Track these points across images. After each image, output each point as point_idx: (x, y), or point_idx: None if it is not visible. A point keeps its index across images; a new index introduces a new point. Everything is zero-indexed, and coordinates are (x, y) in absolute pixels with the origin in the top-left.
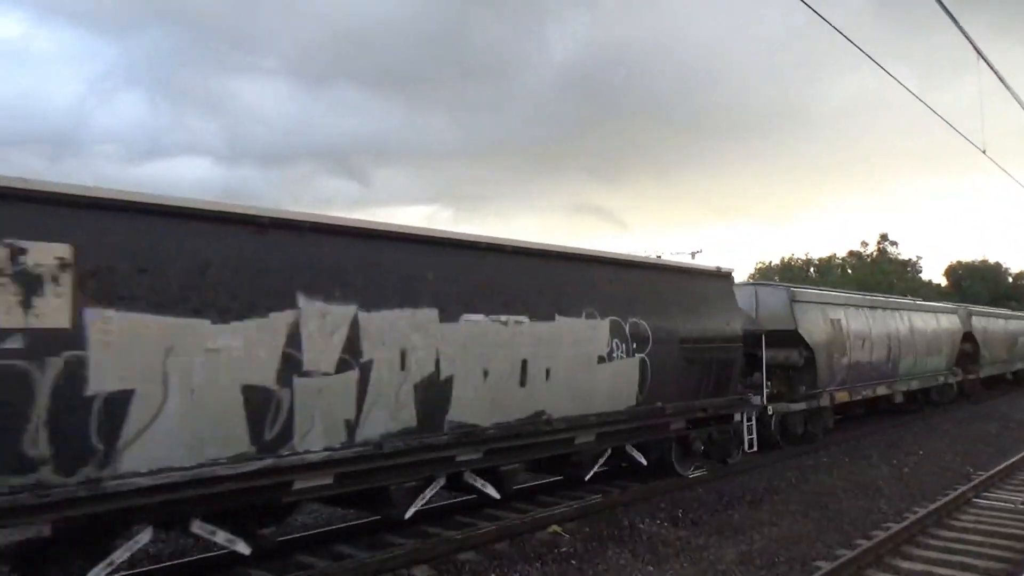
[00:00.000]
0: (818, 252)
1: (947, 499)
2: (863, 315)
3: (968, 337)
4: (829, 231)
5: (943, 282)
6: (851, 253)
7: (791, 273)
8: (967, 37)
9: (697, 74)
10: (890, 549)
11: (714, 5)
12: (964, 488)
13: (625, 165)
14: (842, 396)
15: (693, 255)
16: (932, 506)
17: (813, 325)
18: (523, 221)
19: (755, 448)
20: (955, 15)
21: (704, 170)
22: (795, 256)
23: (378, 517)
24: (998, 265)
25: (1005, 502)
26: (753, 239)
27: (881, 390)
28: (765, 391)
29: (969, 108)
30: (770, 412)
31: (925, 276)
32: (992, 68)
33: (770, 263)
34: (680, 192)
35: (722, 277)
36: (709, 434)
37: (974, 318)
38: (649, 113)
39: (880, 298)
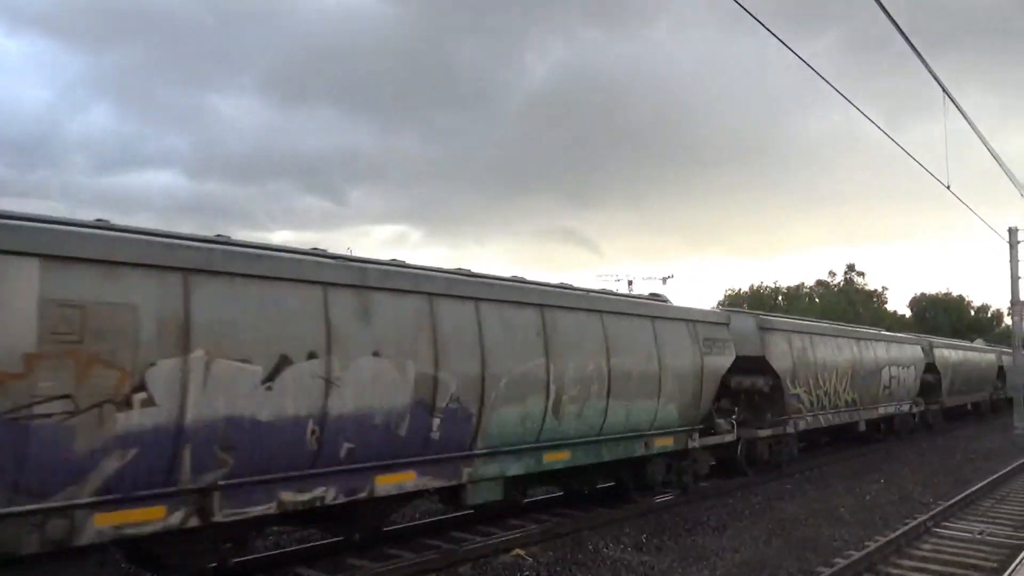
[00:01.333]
0: (787, 281)
1: (907, 528)
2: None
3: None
4: (798, 261)
5: (907, 313)
6: (819, 283)
7: (760, 301)
8: (935, 78)
9: (672, 105)
10: None
11: (690, 39)
12: (924, 517)
13: (600, 192)
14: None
15: (664, 280)
16: (892, 535)
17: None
18: (498, 245)
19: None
20: (924, 57)
21: (678, 199)
22: (764, 284)
23: (339, 538)
24: (961, 298)
25: (965, 531)
26: (724, 267)
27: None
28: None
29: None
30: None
31: (890, 307)
32: (959, 108)
33: (740, 291)
34: (654, 220)
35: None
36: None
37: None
38: (625, 141)
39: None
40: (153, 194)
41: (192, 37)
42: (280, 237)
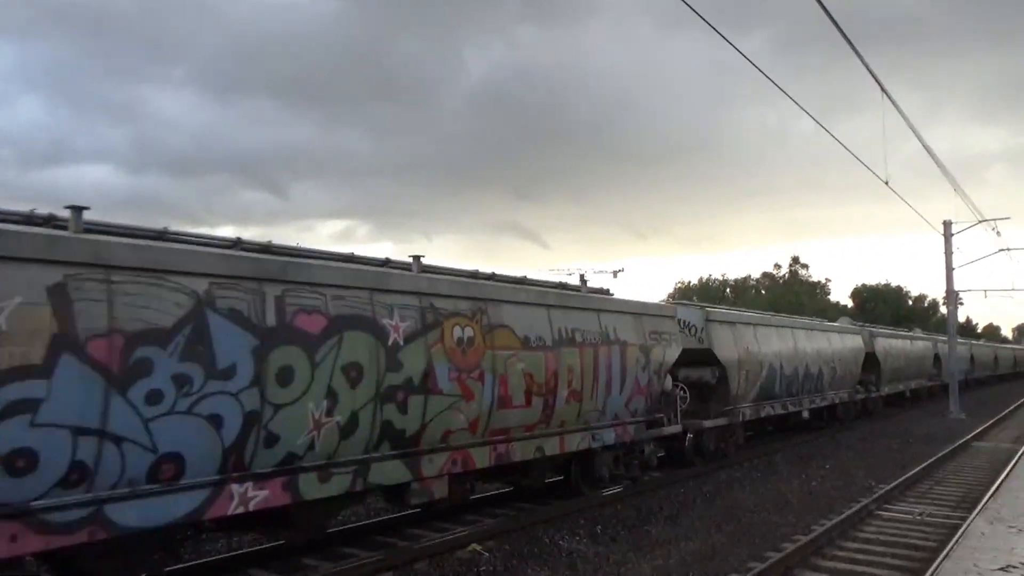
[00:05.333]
0: (734, 273)
1: (851, 511)
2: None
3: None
4: (745, 255)
5: (850, 303)
6: (765, 275)
7: (709, 293)
8: (872, 74)
9: (610, 102)
10: (799, 561)
11: (624, 38)
12: (867, 501)
13: (544, 186)
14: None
15: (615, 274)
16: (837, 519)
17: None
18: (445, 239)
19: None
20: (859, 53)
21: (621, 193)
22: (713, 277)
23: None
24: (899, 288)
25: (906, 513)
26: (673, 261)
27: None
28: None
29: (871, 143)
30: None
31: (833, 298)
32: (895, 104)
33: (689, 283)
34: (599, 214)
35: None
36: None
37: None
38: (565, 137)
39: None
40: (86, 189)
41: (121, 28)
42: (223, 232)
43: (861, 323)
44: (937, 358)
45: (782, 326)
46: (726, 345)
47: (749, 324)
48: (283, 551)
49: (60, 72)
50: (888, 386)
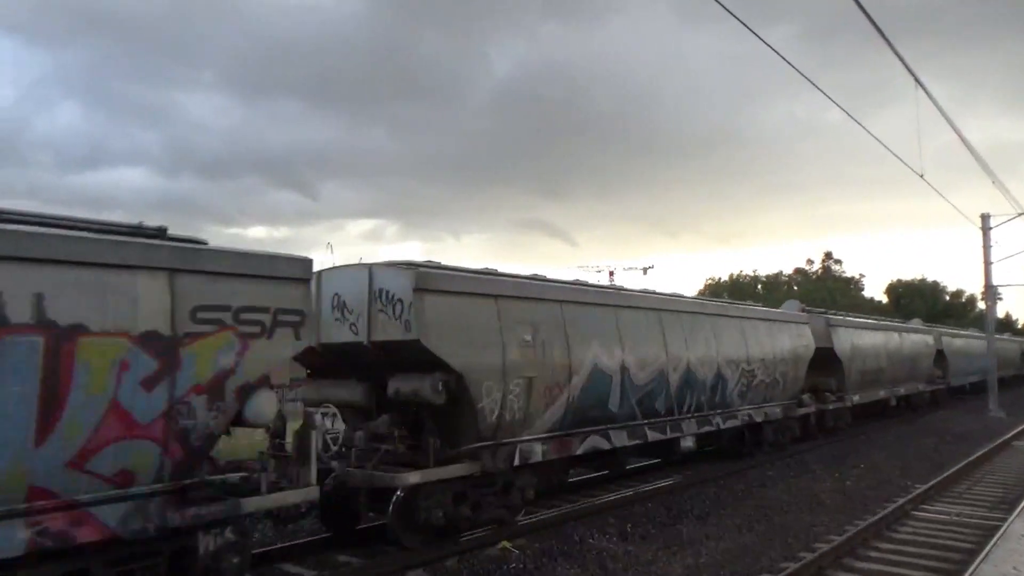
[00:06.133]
0: (765, 269)
1: (886, 511)
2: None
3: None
4: (776, 250)
5: (884, 299)
6: (797, 271)
7: (740, 290)
8: (905, 65)
9: (635, 97)
10: (832, 561)
11: (647, 32)
12: (902, 501)
13: (570, 183)
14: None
15: (645, 271)
16: (872, 519)
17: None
18: (472, 237)
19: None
20: (890, 42)
21: (647, 189)
22: (744, 273)
23: (327, 534)
24: (936, 284)
25: (942, 514)
26: (702, 257)
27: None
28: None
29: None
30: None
31: (867, 293)
32: (929, 95)
33: (719, 279)
34: (626, 210)
35: None
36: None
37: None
38: (591, 133)
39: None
40: (123, 192)
41: (151, 34)
42: (254, 233)
43: (822, 310)
44: (941, 355)
45: (622, 305)
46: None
47: (557, 301)
48: (316, 547)
49: (96, 78)
50: (859, 393)
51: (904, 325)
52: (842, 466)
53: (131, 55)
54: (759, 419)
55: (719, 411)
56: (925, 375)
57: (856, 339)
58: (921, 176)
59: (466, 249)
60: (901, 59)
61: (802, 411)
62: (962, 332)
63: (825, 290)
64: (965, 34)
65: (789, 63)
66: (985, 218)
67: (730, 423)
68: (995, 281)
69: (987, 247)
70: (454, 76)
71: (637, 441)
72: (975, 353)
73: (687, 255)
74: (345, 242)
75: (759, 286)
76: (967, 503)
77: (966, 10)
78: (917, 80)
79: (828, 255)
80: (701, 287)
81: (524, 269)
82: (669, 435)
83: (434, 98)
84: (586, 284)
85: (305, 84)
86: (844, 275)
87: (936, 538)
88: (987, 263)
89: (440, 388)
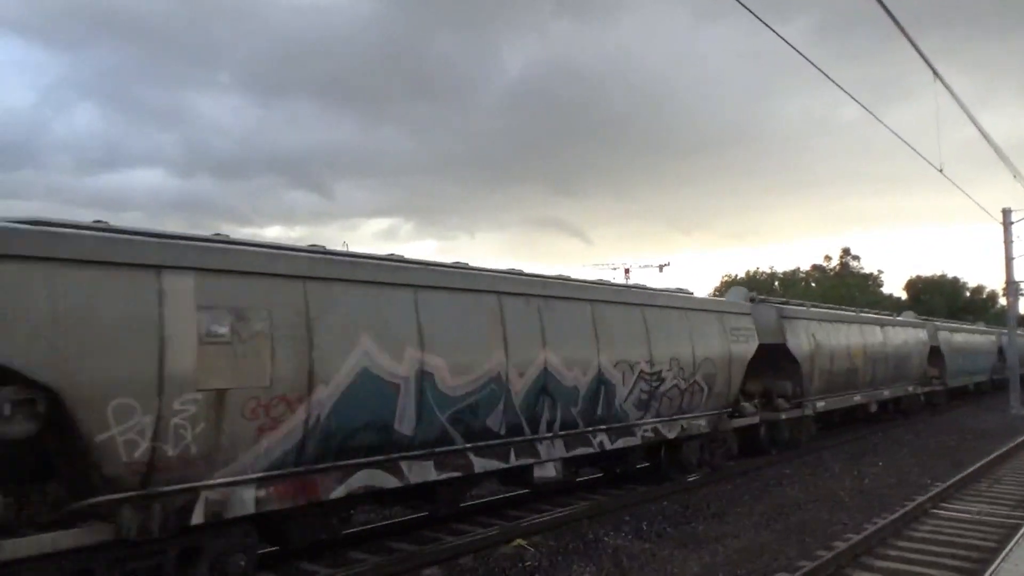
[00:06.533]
0: (782, 266)
1: (905, 510)
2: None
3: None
4: (793, 247)
5: (903, 296)
6: (815, 267)
7: (756, 287)
8: (924, 58)
9: (648, 95)
10: (850, 560)
11: (661, 29)
12: (922, 499)
13: (584, 181)
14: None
15: (661, 268)
16: (891, 517)
17: None
18: (487, 236)
19: None
20: (908, 35)
21: (662, 186)
22: (760, 270)
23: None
24: (956, 280)
25: (963, 512)
26: (718, 255)
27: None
28: None
29: (923, 129)
30: None
31: (886, 290)
32: (948, 89)
33: (735, 276)
34: (641, 208)
35: None
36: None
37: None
38: (604, 131)
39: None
40: (139, 193)
41: (167, 36)
42: (271, 233)
43: (763, 296)
44: (938, 352)
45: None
46: None
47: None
48: (334, 544)
49: (113, 80)
50: (825, 398)
51: (889, 318)
52: (860, 464)
53: (148, 57)
54: (672, 435)
55: (603, 427)
56: (916, 376)
57: (819, 334)
58: (940, 171)
59: (480, 248)
60: (919, 52)
61: (741, 423)
62: (965, 326)
63: (844, 286)
64: (985, 26)
65: (805, 58)
66: (1006, 213)
67: (623, 441)
68: (1017, 276)
69: (1008, 242)
70: (467, 75)
71: (455, 473)
72: (982, 350)
73: (703, 252)
74: (360, 241)
75: (776, 283)
76: (988, 501)
77: (986, 1)
78: (936, 73)
79: (846, 251)
80: (717, 284)
81: (540, 267)
82: (514, 462)
83: (448, 97)
84: (356, 256)
85: (319, 84)
86: (862, 271)
87: (956, 537)
88: (1008, 258)
89: (8, 412)
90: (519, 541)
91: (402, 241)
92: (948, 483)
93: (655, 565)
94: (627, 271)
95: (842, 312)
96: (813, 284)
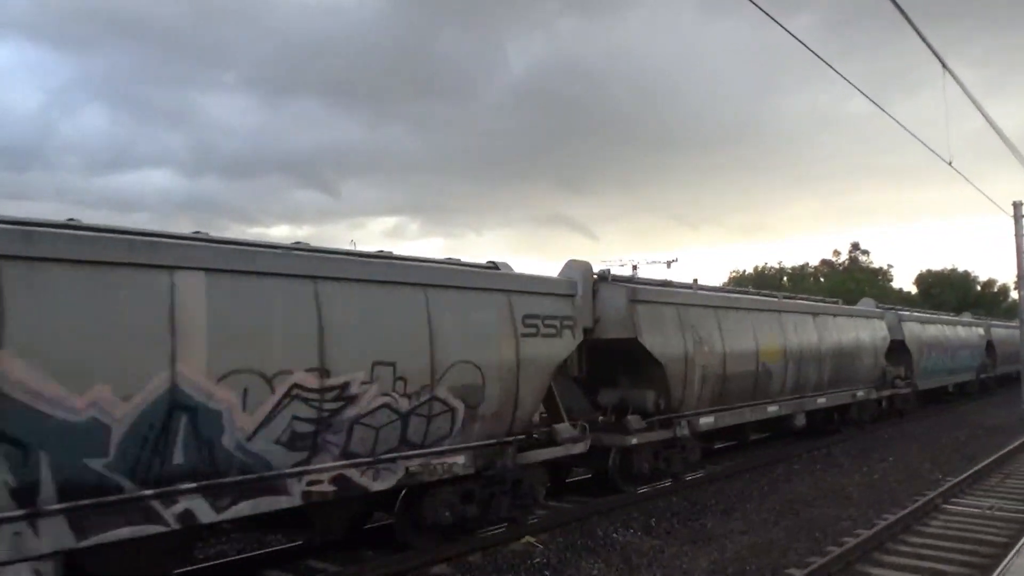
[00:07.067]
0: (791, 261)
1: (916, 505)
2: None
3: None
4: (802, 242)
5: (913, 290)
6: (823, 262)
7: (765, 282)
8: (932, 50)
9: (654, 91)
10: (860, 556)
11: (666, 25)
12: (932, 494)
13: (591, 177)
14: None
15: (669, 264)
16: (901, 512)
17: None
18: (494, 233)
19: None
20: (915, 26)
21: (669, 182)
22: (769, 265)
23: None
24: (967, 273)
25: (974, 507)
26: (726, 250)
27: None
28: None
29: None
30: None
31: (896, 284)
32: (957, 81)
33: (744, 272)
34: (648, 203)
35: None
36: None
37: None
38: (610, 127)
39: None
40: (147, 193)
41: (174, 37)
42: (278, 232)
43: (626, 279)
44: (904, 348)
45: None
46: None
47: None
48: (335, 543)
49: (120, 81)
50: (714, 412)
51: (828, 305)
52: (869, 459)
53: (155, 58)
54: (383, 485)
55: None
56: (871, 377)
57: (702, 325)
58: (950, 163)
59: (488, 245)
60: (927, 44)
61: (543, 455)
62: (941, 316)
63: (853, 281)
64: (993, 16)
65: (812, 51)
66: (1017, 205)
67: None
68: None
69: (1019, 235)
70: (473, 73)
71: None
72: (966, 345)
73: (710, 248)
74: (367, 239)
75: (784, 278)
76: (999, 496)
77: None
78: (944, 65)
79: (855, 246)
80: (725, 280)
81: (547, 265)
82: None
83: (454, 95)
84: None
85: (326, 84)
86: (872, 266)
87: (967, 532)
88: (1019, 251)
89: None
90: (528, 538)
91: (409, 239)
92: (959, 478)
93: (664, 561)
94: (635, 267)
95: (745, 296)
96: (822, 279)
